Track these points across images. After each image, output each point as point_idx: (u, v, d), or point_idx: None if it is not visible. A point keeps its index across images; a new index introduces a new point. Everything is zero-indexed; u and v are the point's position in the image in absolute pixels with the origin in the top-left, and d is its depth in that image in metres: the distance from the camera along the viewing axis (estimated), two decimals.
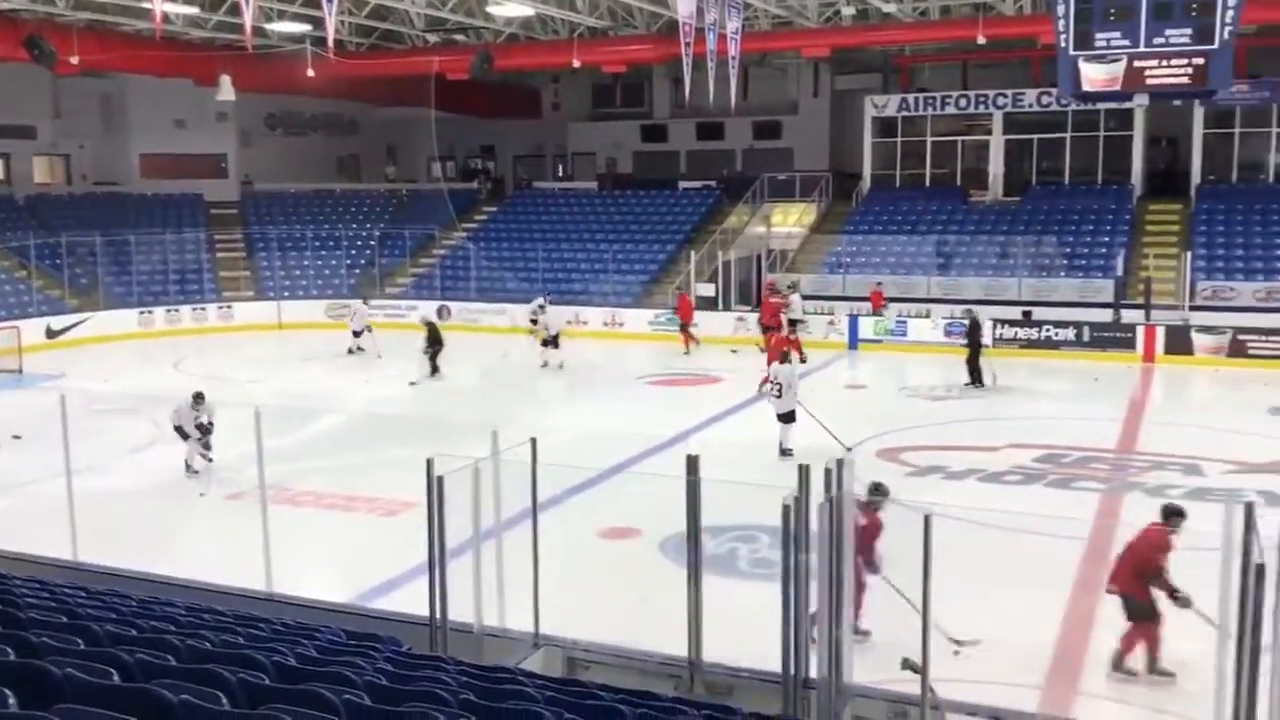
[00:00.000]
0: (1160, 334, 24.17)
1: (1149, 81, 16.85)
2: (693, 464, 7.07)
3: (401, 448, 13.76)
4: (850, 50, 31.50)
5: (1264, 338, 23.47)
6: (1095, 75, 17.09)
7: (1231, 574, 5.88)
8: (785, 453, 15.39)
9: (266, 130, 38.08)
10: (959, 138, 33.24)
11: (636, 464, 14.92)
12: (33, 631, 5.55)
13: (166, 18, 24.38)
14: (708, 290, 29.73)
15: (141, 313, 29.98)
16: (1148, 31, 16.53)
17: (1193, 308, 25.21)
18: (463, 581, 7.59)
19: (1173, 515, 8.58)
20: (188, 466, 14.97)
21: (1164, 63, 16.64)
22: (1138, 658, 8.47)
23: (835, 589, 6.58)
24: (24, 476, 14.00)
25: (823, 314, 27.18)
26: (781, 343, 17.58)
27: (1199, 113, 29.46)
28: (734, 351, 25.88)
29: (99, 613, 6.60)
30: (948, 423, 17.27)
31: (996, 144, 32.22)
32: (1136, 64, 16.78)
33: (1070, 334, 24.82)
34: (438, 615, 7.50)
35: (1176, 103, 25.79)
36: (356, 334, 26.27)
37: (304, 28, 26.40)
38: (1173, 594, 8.11)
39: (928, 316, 26.32)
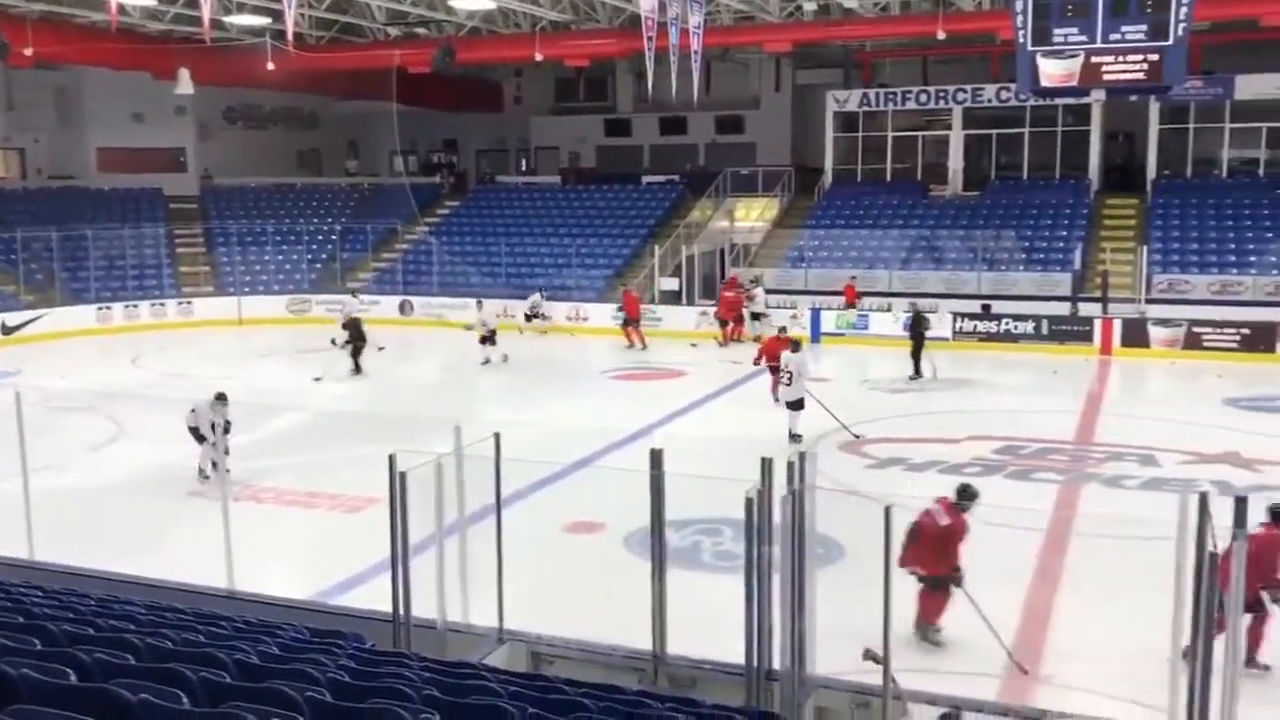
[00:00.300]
0: (1117, 327, 24.50)
1: (1105, 77, 17.09)
2: (656, 458, 7.09)
3: (364, 444, 13.69)
4: (812, 45, 31.61)
5: (1218, 330, 23.85)
6: (1053, 71, 17.31)
7: (1186, 562, 5.98)
8: (795, 438, 15.83)
9: (226, 124, 37.68)
10: (919, 133, 33.46)
11: (600, 459, 14.92)
12: None
13: (123, 9, 24.06)
14: (672, 285, 29.76)
15: (99, 308, 29.58)
16: (1104, 28, 16.75)
17: (1149, 301, 25.55)
18: (426, 578, 7.57)
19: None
20: (201, 471, 14.23)
21: (1120, 59, 16.88)
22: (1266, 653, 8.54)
23: (798, 581, 6.62)
24: None
25: (786, 308, 27.32)
26: (773, 343, 17.54)
27: (1154, 108, 29.84)
28: (693, 345, 25.97)
29: (56, 612, 6.52)
30: (909, 415, 17.43)
31: (956, 139, 32.47)
32: (1093, 60, 17.01)
33: (1029, 327, 25.10)
34: (401, 612, 7.48)
35: (1132, 98, 26.15)
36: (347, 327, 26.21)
37: (263, 20, 26.14)
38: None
39: (889, 310, 26.50)
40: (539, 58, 28.55)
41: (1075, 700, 7.79)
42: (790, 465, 6.57)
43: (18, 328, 27.59)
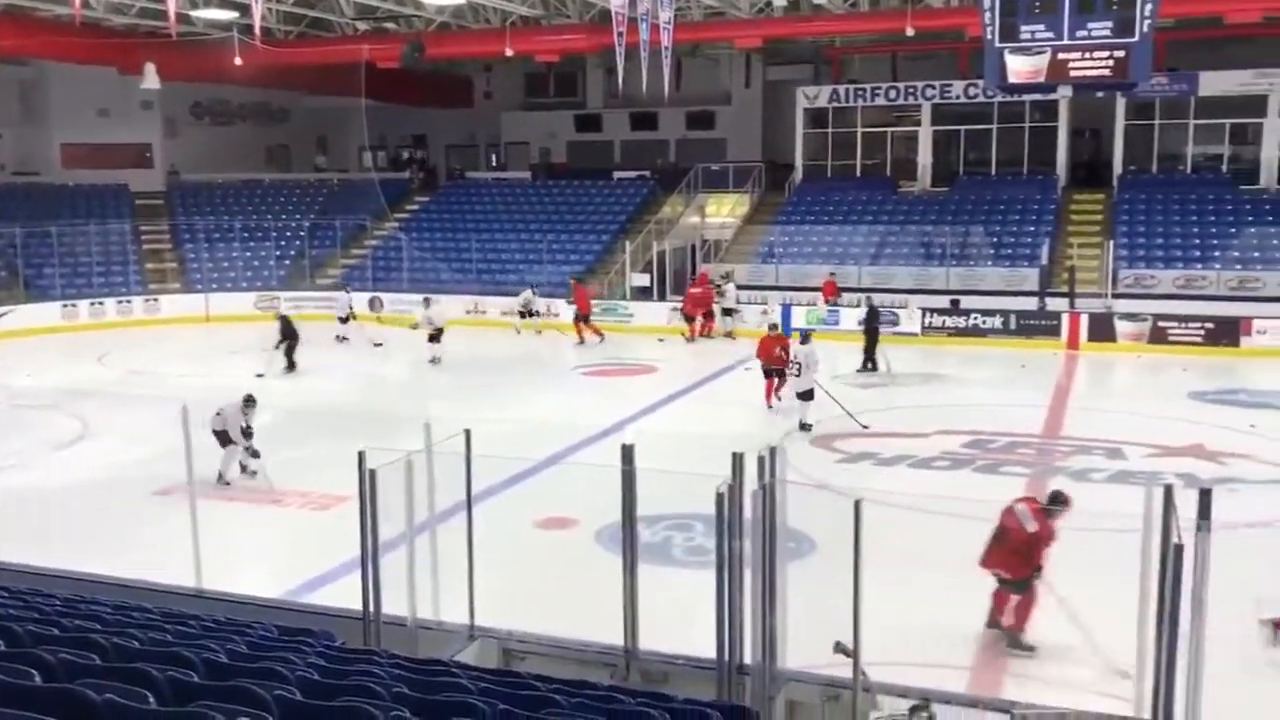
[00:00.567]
0: (1084, 321, 24.73)
1: (1072, 73, 17.23)
2: (628, 454, 7.09)
3: (333, 441, 13.58)
4: (782, 41, 31.70)
5: (1183, 324, 24.13)
6: (1020, 67, 17.43)
7: (1151, 554, 6.04)
8: (805, 428, 16.20)
9: (193, 119, 37.36)
10: (889, 129, 33.61)
11: (572, 455, 14.92)
12: None
13: (86, 3, 23.82)
14: (643, 280, 29.79)
15: (65, 305, 29.26)
16: (1071, 24, 16.89)
17: (1115, 295, 25.81)
18: (397, 575, 7.53)
19: None
20: (220, 476, 13.78)
21: (1086, 55, 17.02)
22: None
23: (768, 575, 6.65)
24: None
25: (757, 304, 27.41)
26: (768, 342, 17.54)
27: (1120, 105, 30.11)
28: (660, 340, 26.00)
29: (20, 612, 6.45)
30: (878, 410, 17.50)
31: (925, 135, 32.64)
32: (1060, 56, 17.14)
33: (997, 322, 25.29)
34: (371, 609, 7.45)
35: (1099, 94, 26.40)
36: (343, 320, 26.17)
37: (230, 15, 25.91)
38: None
39: (859, 305, 26.60)
40: (509, 53, 28.48)
41: (1043, 691, 7.86)
42: (761, 460, 6.59)
43: None
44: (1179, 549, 5.67)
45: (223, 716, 4.17)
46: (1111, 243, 26.97)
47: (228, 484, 13.80)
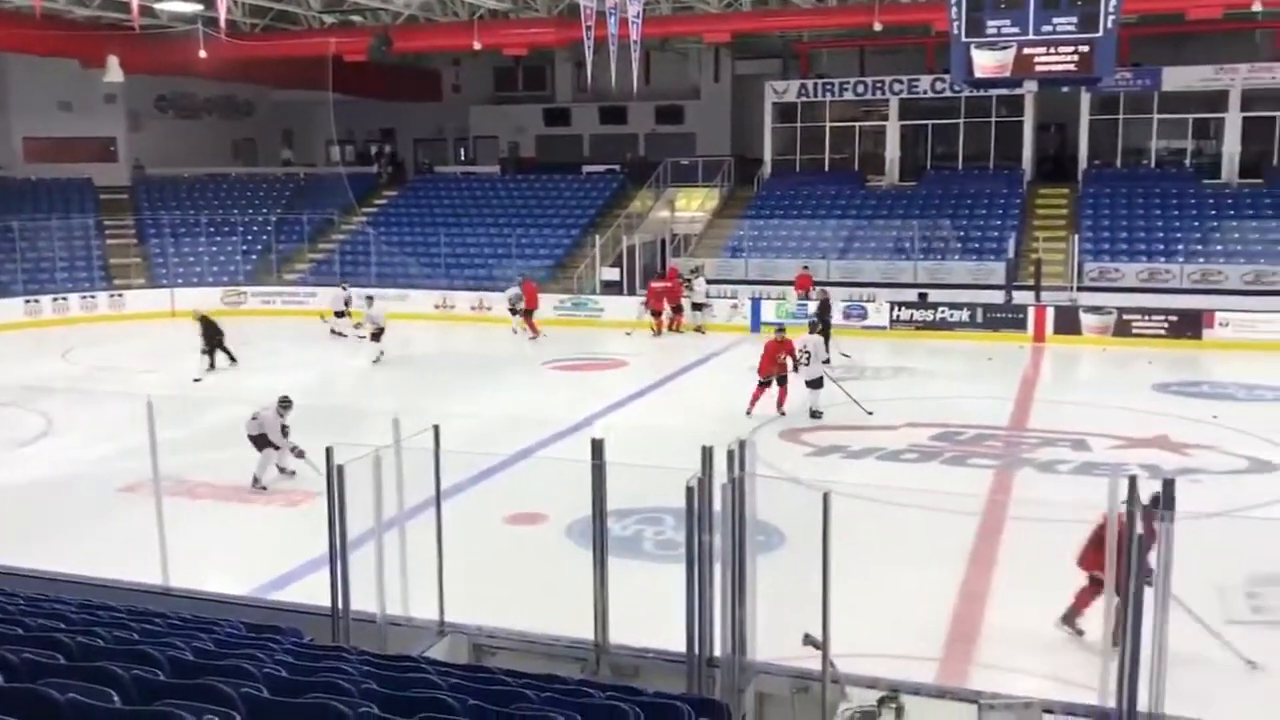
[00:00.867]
0: (1050, 314, 24.94)
1: (1038, 68, 17.38)
2: (597, 448, 7.09)
3: (301, 437, 13.55)
4: (750, 36, 31.73)
5: (1147, 317, 24.39)
6: (986, 62, 17.56)
7: (1115, 544, 6.11)
8: (815, 415, 16.57)
9: (158, 113, 36.93)
10: (857, 123, 33.73)
11: (541, 449, 14.91)
12: None
13: None
14: (612, 275, 29.77)
15: (28, 301, 28.90)
16: (1036, 20, 17.04)
17: (1080, 289, 26.06)
18: (366, 571, 7.50)
19: None
20: (256, 481, 13.48)
21: (1052, 50, 17.18)
22: None
23: (738, 568, 6.67)
24: None
25: (726, 298, 27.47)
26: (774, 347, 17.25)
27: (1085, 99, 30.36)
28: (628, 334, 26.00)
29: None
30: (848, 403, 17.57)
31: (893, 129, 32.79)
32: (1026, 51, 17.29)
33: (964, 315, 25.46)
34: (340, 605, 7.41)
35: (1064, 89, 26.61)
36: (339, 315, 26.05)
37: (195, 7, 25.66)
38: None
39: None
40: (477, 46, 28.34)
41: (1010, 681, 7.94)
42: (730, 454, 6.61)
43: None
44: (1142, 539, 5.74)
45: (189, 715, 4.14)
46: (1076, 236, 27.21)
47: (264, 488, 13.49)
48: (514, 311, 26.32)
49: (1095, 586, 8.62)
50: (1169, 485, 5.96)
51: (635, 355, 23.60)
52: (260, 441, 13.51)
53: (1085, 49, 17.13)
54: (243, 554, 11.73)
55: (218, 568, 11.05)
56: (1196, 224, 27.58)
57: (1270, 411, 17.98)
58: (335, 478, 7.17)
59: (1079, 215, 28.93)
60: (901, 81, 32.18)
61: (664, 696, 5.28)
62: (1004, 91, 28.39)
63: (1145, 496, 6.15)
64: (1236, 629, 8.87)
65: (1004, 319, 25.29)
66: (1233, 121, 29.64)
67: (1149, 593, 5.82)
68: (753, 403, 17.07)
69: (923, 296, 26.02)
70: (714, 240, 30.99)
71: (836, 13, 27.77)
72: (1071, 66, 17.36)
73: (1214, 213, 27.89)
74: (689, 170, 33.63)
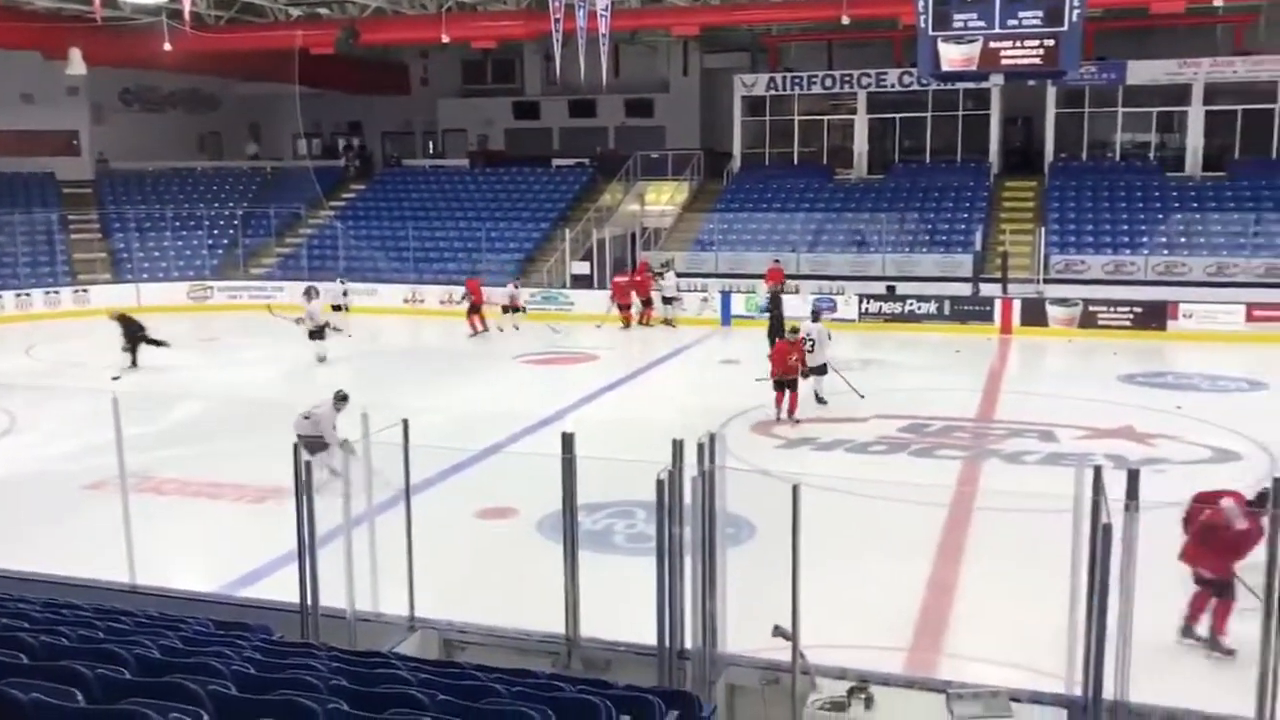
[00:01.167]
0: (1016, 306, 25.15)
1: (1004, 62, 17.50)
2: (568, 442, 7.07)
3: (269, 433, 13.43)
4: (719, 29, 31.77)
5: (1112, 309, 24.65)
6: (953, 55, 17.65)
7: (1082, 534, 6.17)
8: (820, 401, 16.90)
9: (122, 106, 36.49)
10: (825, 117, 33.85)
11: (512, 444, 14.86)
12: None
13: None
14: (583, 268, 29.74)
15: None
16: (1002, 13, 17.14)
17: (1046, 281, 26.28)
18: (335, 567, 7.47)
19: None
20: (335, 473, 11.38)
21: (1018, 44, 17.30)
22: None
23: (708, 561, 6.68)
24: None
25: (697, 291, 27.50)
26: (785, 348, 16.97)
27: (1051, 93, 30.61)
28: (598, 326, 25.90)
29: None
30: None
31: (861, 123, 32.92)
32: (992, 45, 17.40)
33: (932, 308, 25.63)
34: (309, 602, 7.37)
35: (1030, 83, 26.81)
36: (334, 309, 25.66)
37: None
38: None
39: (797, 292, 26.80)
40: (445, 39, 28.20)
41: (978, 670, 8.00)
42: (700, 446, 6.62)
43: None
44: (1108, 528, 5.79)
45: (155, 713, 4.10)
46: (1043, 229, 27.43)
47: (336, 474, 12.59)
48: (506, 310, 25.90)
49: (1206, 586, 8.51)
50: (1134, 476, 6.01)
51: (607, 349, 23.59)
52: (313, 445, 11.64)
53: (1050, 43, 17.25)
54: (211, 551, 11.64)
55: (185, 565, 10.97)
56: (1161, 216, 27.87)
57: (1232, 401, 18.23)
58: (303, 473, 7.13)
59: (1045, 208, 29.15)
60: (869, 75, 32.30)
61: (635, 689, 5.28)
62: (971, 85, 28.58)
63: (1111, 486, 6.18)
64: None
65: (971, 311, 25.47)
66: (1195, 115, 29.97)
67: (1114, 583, 5.88)
68: (777, 406, 16.46)
69: (891, 289, 26.16)
70: (684, 233, 31.02)
71: (804, 6, 27.80)
72: (1037, 60, 17.49)
73: (1178, 205, 28.20)
74: (658, 164, 33.63)
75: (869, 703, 6.14)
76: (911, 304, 25.75)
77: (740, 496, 7.48)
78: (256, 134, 40.65)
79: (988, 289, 25.95)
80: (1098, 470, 6.14)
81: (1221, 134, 30.31)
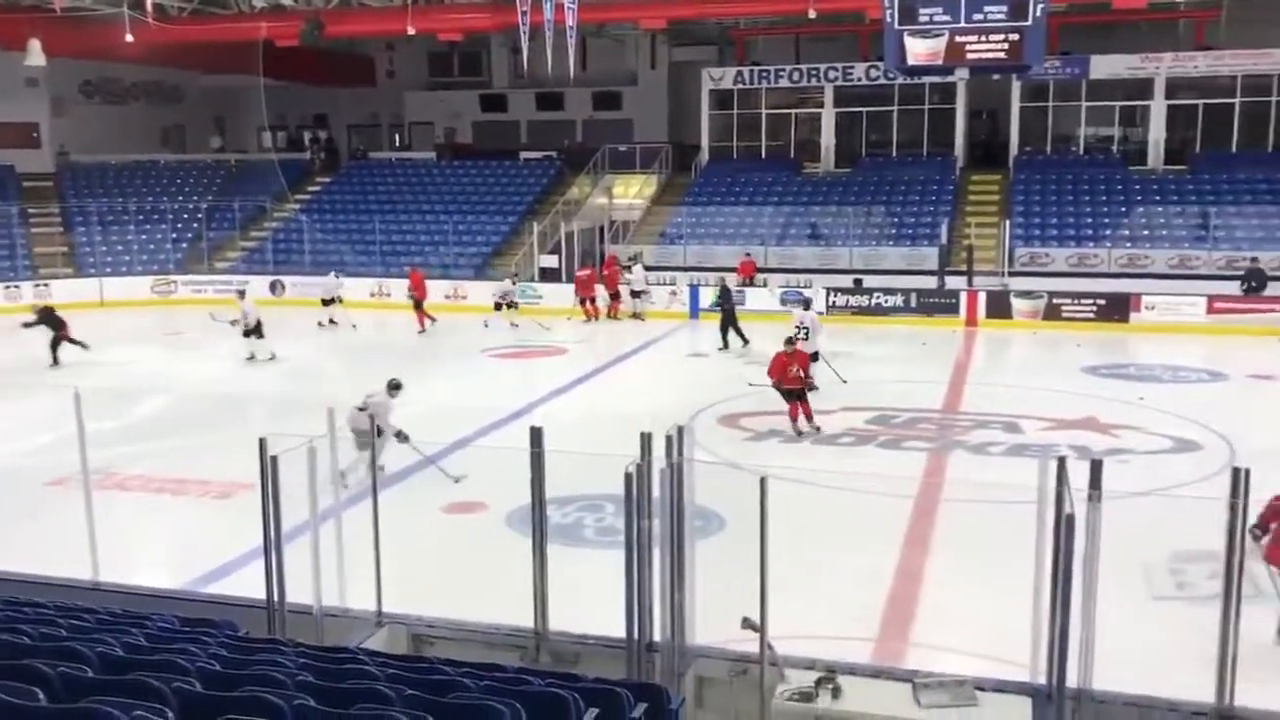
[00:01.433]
0: (982, 299, 25.34)
1: (969, 56, 17.63)
2: (536, 436, 7.06)
3: (234, 428, 13.36)
4: (686, 22, 31.77)
5: (1076, 301, 24.88)
6: (919, 50, 17.76)
7: (1046, 524, 6.23)
8: (812, 388, 16.41)
9: (83, 98, 35.99)
10: (792, 110, 33.94)
11: (481, 438, 14.84)
12: None
13: None
14: (551, 262, 29.68)
15: None
16: (967, 8, 17.26)
17: (1011, 273, 26.50)
18: (302, 563, 7.42)
19: None
20: (343, 476, 9.56)
21: (983, 38, 17.43)
22: None
23: (676, 553, 6.69)
24: None
25: (665, 284, 27.52)
26: (781, 359, 16.45)
27: (1016, 87, 30.84)
28: (569, 319, 25.85)
29: None
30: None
31: (828, 117, 33.04)
32: (957, 39, 17.52)
33: (899, 300, 25.77)
34: (275, 598, 7.33)
35: (995, 77, 27.01)
36: (326, 303, 25.72)
37: None
38: None
39: (765, 285, 26.91)
40: (411, 31, 28.02)
41: (944, 660, 8.07)
42: (669, 439, 6.62)
43: None
44: (1071, 519, 5.85)
45: (119, 711, 4.06)
46: (1008, 222, 27.64)
47: (346, 486, 11.99)
48: (498, 306, 25.51)
49: None
50: (1096, 466, 6.08)
51: (575, 343, 23.57)
52: (363, 437, 10.53)
53: (1015, 37, 17.41)
54: (175, 547, 11.55)
55: (149, 561, 10.88)
56: (1124, 209, 28.16)
57: (1193, 392, 18.47)
58: (268, 469, 7.08)
59: (1010, 201, 29.38)
60: (836, 69, 32.41)
61: (604, 682, 5.29)
62: (937, 79, 28.73)
63: (1074, 477, 6.24)
64: (1162, 605, 9.11)
65: (937, 304, 25.64)
66: (1158, 109, 30.29)
67: (1078, 572, 5.95)
68: (793, 421, 15.59)
69: (858, 282, 26.28)
70: (652, 227, 31.02)
71: (772, 0, 27.86)
72: (1002, 54, 17.65)
73: (1140, 198, 28.50)
74: (627, 157, 33.61)
75: (836, 693, 6.18)
76: (878, 297, 25.89)
77: (709, 489, 7.49)
78: (221, 127, 40.26)
79: (953, 282, 26.12)
80: (1061, 461, 6.20)
81: (1183, 128, 30.66)
